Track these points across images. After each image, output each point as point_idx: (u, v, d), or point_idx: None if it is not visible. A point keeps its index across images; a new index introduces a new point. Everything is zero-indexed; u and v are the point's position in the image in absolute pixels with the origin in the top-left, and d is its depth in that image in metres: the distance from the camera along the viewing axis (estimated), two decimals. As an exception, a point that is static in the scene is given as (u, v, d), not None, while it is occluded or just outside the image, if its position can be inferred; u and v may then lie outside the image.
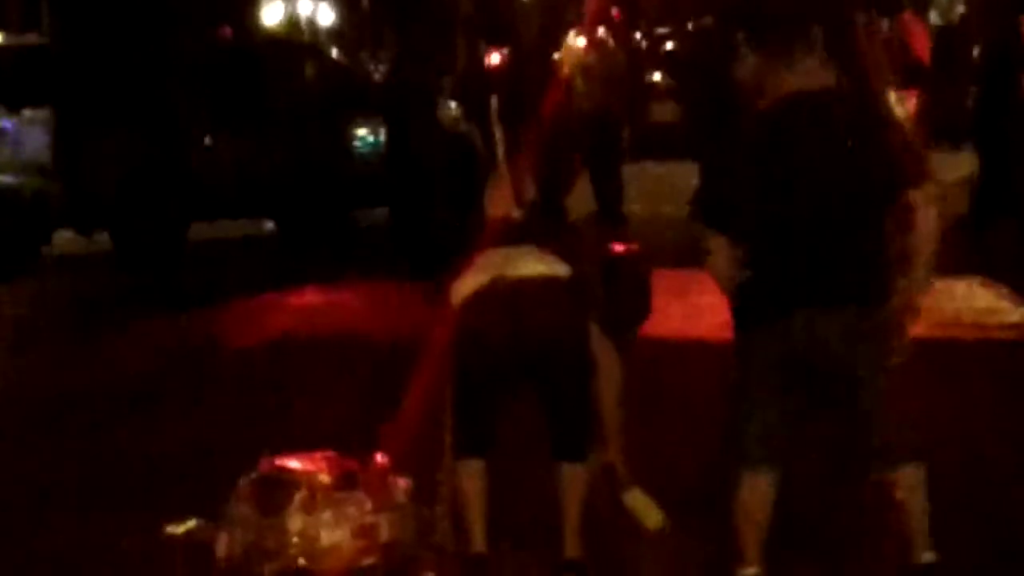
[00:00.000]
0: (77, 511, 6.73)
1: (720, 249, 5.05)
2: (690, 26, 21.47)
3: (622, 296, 5.77)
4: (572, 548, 5.50)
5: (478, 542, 5.55)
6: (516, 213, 5.94)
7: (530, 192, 5.93)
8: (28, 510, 6.82)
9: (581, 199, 16.30)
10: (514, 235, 5.73)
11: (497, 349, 5.38)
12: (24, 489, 7.14)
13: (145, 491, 6.78)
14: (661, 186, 17.34)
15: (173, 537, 5.89)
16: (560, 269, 5.40)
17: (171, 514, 6.04)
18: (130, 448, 7.75)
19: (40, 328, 11.98)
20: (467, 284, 5.43)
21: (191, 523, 5.92)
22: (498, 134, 18.52)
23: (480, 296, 5.39)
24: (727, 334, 5.16)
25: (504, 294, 5.35)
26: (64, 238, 15.25)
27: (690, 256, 5.42)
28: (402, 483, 5.84)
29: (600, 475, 5.80)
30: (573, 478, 5.48)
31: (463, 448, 5.57)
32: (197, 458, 7.14)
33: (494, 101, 19.57)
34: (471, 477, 5.55)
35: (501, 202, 6.00)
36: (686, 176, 17.38)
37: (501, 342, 5.37)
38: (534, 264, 5.40)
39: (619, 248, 6.02)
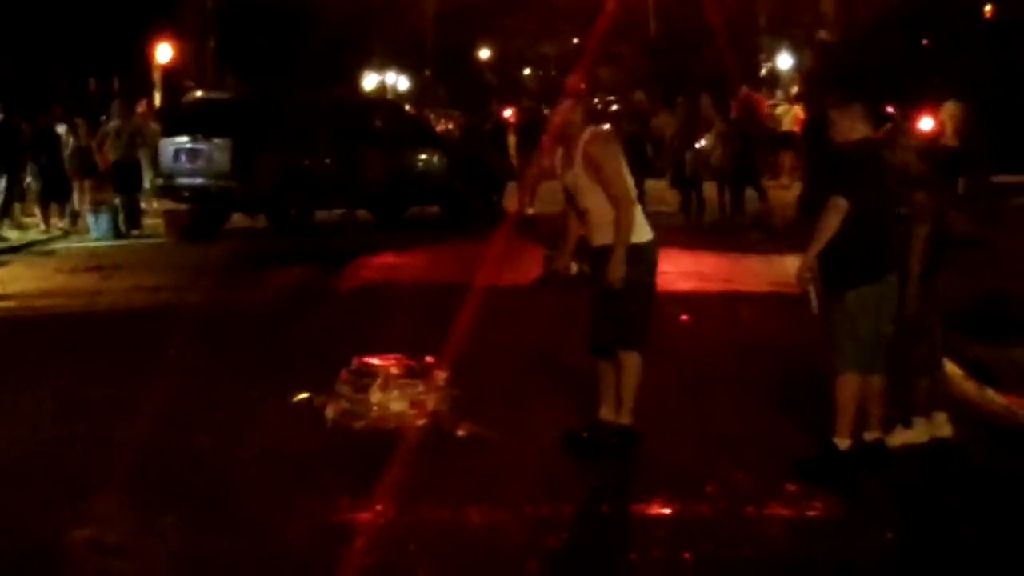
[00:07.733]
0: (232, 379, 6.71)
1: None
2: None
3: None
4: (627, 416, 5.31)
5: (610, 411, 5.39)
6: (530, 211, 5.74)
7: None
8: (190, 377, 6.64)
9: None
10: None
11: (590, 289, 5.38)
12: (190, 360, 6.99)
13: (279, 371, 6.76)
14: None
15: (298, 402, 6.02)
16: (611, 239, 5.26)
17: (296, 388, 6.14)
18: (271, 341, 7.71)
19: (222, 267, 11.90)
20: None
21: (308, 394, 6.04)
22: (515, 161, 18.58)
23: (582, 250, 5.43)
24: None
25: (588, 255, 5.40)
26: (237, 218, 15.37)
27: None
28: (442, 374, 5.90)
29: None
30: (630, 362, 5.28)
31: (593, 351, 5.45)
32: (316, 352, 7.06)
33: (512, 140, 19.57)
34: (605, 369, 5.40)
35: (514, 202, 5.83)
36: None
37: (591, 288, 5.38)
38: (603, 236, 5.28)
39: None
